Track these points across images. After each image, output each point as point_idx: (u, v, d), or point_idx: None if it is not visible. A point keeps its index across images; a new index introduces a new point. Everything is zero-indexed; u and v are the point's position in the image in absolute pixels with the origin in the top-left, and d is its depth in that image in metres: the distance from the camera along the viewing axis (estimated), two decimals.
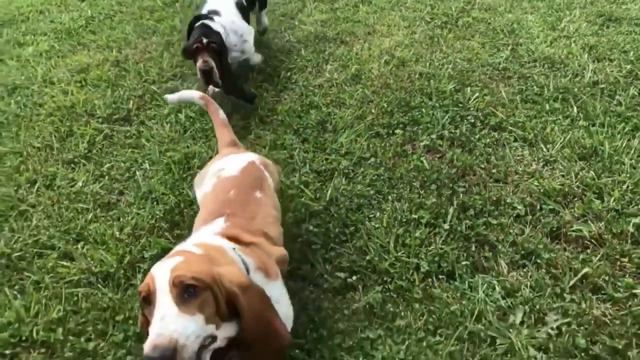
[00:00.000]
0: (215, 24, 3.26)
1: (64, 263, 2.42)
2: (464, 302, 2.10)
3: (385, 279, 2.22)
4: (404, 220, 2.47)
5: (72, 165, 3.07)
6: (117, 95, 3.67)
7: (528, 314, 2.06)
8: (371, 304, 2.11)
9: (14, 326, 2.14)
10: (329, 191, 2.64)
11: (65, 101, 3.64)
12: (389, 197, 2.61)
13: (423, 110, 3.17)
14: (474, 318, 2.05)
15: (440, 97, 3.28)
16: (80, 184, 2.89)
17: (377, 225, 2.45)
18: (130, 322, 2.12)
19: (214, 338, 1.31)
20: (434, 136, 2.96)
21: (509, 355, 1.94)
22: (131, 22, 4.79)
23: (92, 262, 2.40)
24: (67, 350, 2.05)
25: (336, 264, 2.30)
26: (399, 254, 2.30)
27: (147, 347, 1.17)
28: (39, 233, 2.60)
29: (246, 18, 3.67)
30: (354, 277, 2.23)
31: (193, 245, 1.52)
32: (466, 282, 2.19)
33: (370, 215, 2.52)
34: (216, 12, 3.41)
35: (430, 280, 2.21)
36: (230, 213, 1.82)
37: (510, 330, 2.01)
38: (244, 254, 1.60)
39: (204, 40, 3.10)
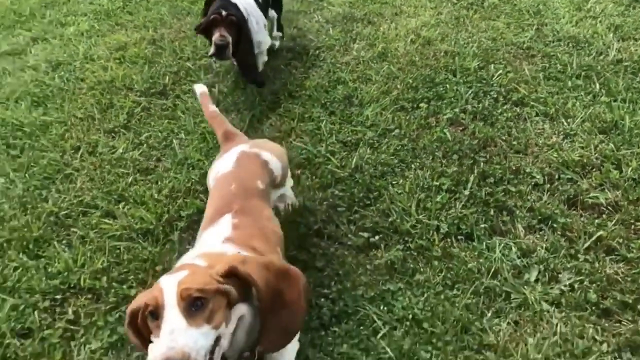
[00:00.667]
0: (237, 1, 3.15)
1: (107, 220, 2.61)
2: (481, 261, 2.22)
3: (406, 239, 2.35)
4: (426, 186, 2.59)
5: (113, 134, 3.26)
6: (154, 71, 3.84)
7: (542, 273, 2.17)
8: (392, 261, 2.25)
9: (63, 275, 2.34)
10: (354, 159, 2.77)
11: (105, 76, 3.84)
12: (412, 166, 2.72)
13: (447, 86, 3.27)
14: (490, 275, 2.16)
15: (464, 73, 3.37)
16: (120, 150, 3.08)
17: (399, 191, 2.57)
18: None
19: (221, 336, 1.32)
20: (457, 110, 3.06)
21: (522, 308, 2.06)
22: (166, 4, 4.96)
23: (132, 220, 2.58)
24: (111, 296, 2.24)
25: (360, 225, 2.43)
26: (420, 216, 2.43)
27: (158, 359, 1.19)
28: (83, 194, 2.79)
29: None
30: (377, 237, 2.37)
31: (197, 258, 1.49)
32: (484, 243, 2.31)
33: (394, 182, 2.65)
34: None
35: (449, 240, 2.33)
36: (237, 210, 1.82)
37: (525, 286, 2.12)
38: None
39: (223, 13, 3.00)
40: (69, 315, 2.17)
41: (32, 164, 3.04)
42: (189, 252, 1.65)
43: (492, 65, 3.42)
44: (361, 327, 2.00)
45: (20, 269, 2.39)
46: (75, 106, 3.55)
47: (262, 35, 3.36)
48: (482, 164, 2.69)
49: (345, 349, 1.93)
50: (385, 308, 2.06)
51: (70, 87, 3.80)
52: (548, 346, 1.92)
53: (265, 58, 3.56)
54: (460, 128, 2.96)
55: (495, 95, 3.15)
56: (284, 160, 2.25)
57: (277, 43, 3.90)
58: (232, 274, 1.35)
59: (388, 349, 1.90)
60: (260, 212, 1.88)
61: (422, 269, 2.21)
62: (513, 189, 2.54)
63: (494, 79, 3.29)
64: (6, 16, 5.15)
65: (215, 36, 3.00)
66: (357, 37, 3.97)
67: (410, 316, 2.01)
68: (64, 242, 2.53)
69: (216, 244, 1.66)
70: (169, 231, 2.49)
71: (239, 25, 3.04)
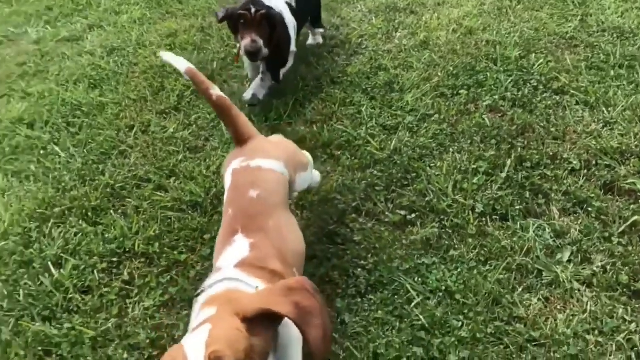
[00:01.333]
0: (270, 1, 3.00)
1: (159, 193, 2.79)
2: (514, 240, 2.29)
3: (442, 217, 2.43)
4: (463, 169, 2.66)
5: (164, 115, 3.44)
6: (202, 57, 4.02)
7: (575, 254, 2.22)
8: (428, 237, 2.34)
9: (119, 240, 2.52)
10: (393, 142, 2.87)
11: (156, 61, 4.04)
12: (450, 149, 2.80)
13: (487, 74, 3.31)
14: (522, 253, 2.23)
15: (505, 62, 3.40)
16: (171, 130, 3.26)
17: (437, 173, 2.66)
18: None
19: None
20: (496, 97, 3.11)
21: (553, 286, 2.12)
22: None
23: (182, 193, 2.75)
24: (162, 261, 2.41)
25: (397, 204, 2.53)
26: (457, 196, 2.51)
27: None
28: (136, 169, 2.98)
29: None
30: (413, 215, 2.46)
31: (220, 307, 1.36)
32: (518, 223, 2.37)
33: (432, 165, 2.73)
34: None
35: (484, 220, 2.40)
36: (242, 228, 1.72)
37: (557, 265, 2.17)
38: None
39: (252, 10, 2.71)
40: (125, 276, 2.35)
41: (90, 141, 3.25)
42: (209, 283, 1.54)
43: (534, 55, 3.44)
44: (396, 296, 2.11)
45: (80, 234, 2.59)
46: (129, 88, 3.76)
47: (291, 42, 3.27)
48: (519, 149, 2.74)
49: (380, 314, 2.04)
50: (420, 279, 2.16)
51: (124, 70, 4.01)
52: (577, 323, 1.97)
53: (291, 63, 3.43)
54: (499, 114, 3.02)
55: (535, 84, 3.18)
56: (287, 157, 2.06)
57: (321, 40, 3.94)
58: (261, 316, 1.25)
59: (421, 317, 2.00)
60: (278, 229, 1.76)
61: (456, 246, 2.30)
62: (549, 174, 2.58)
63: (534, 68, 3.32)
64: (65, 5, 5.45)
65: (245, 42, 2.77)
66: (399, 26, 4.04)
67: (444, 288, 2.11)
68: (119, 211, 2.72)
69: (231, 270, 1.56)
70: (217, 204, 2.65)
71: (271, 21, 2.79)
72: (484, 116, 2.98)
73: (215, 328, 1.20)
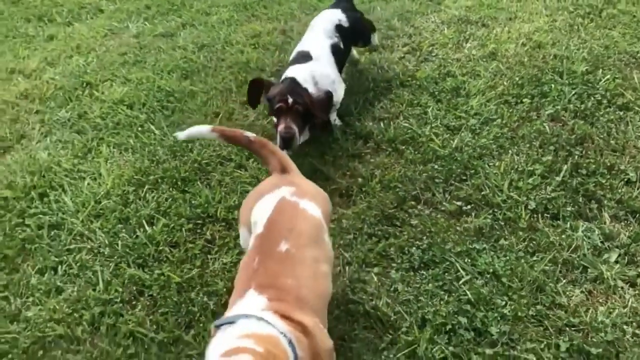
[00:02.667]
0: (304, 75, 3.06)
1: (239, 171, 3.12)
2: (563, 237, 2.45)
3: (495, 210, 2.63)
4: (520, 169, 2.84)
5: (246, 105, 3.79)
6: (283, 57, 4.36)
7: (622, 256, 2.36)
8: (481, 226, 2.54)
9: (203, 206, 2.87)
10: (455, 141, 3.08)
11: (241, 58, 4.42)
12: (509, 151, 2.98)
13: (552, 85, 3.46)
14: (570, 250, 2.39)
15: (571, 76, 3.53)
16: (251, 118, 3.61)
17: (495, 171, 2.85)
18: None
19: None
20: (558, 107, 3.25)
21: (597, 281, 2.27)
22: (297, 0, 5.52)
23: (259, 172, 3.07)
24: None
25: (454, 195, 2.74)
26: (511, 193, 2.69)
27: None
28: (220, 149, 3.33)
29: (341, 62, 3.46)
30: (469, 206, 2.67)
31: (252, 340, 1.39)
32: (568, 223, 2.53)
33: (490, 163, 2.92)
34: (308, 55, 3.25)
35: (535, 216, 2.57)
36: (255, 286, 1.65)
37: (602, 264, 2.32)
38: (296, 342, 1.49)
39: (289, 100, 2.87)
40: (207, 236, 2.69)
41: (180, 122, 3.65)
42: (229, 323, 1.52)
43: (601, 71, 3.55)
44: (446, 274, 2.33)
45: (171, 199, 2.97)
46: (216, 80, 4.15)
47: (337, 96, 3.25)
48: (576, 157, 2.88)
49: (430, 287, 2.26)
50: (470, 261, 2.37)
51: (212, 65, 4.42)
52: (617, 315, 2.12)
53: (342, 91, 3.38)
54: (560, 124, 3.16)
55: (599, 98, 3.30)
56: (327, 207, 2.07)
57: (376, 41, 4.09)
58: None
59: (468, 293, 2.21)
60: (297, 286, 1.67)
61: (507, 236, 2.49)
62: (604, 182, 2.71)
63: (600, 83, 3.43)
64: (162, 4, 5.97)
65: (280, 127, 2.89)
66: (469, 38, 4.24)
67: (491, 271, 2.31)
68: (204, 182, 3.07)
69: (257, 312, 1.53)
70: None
71: (305, 112, 2.93)
72: (544, 124, 3.13)
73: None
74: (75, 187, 3.14)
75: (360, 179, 2.93)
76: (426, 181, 2.85)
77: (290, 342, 1.46)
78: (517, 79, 3.59)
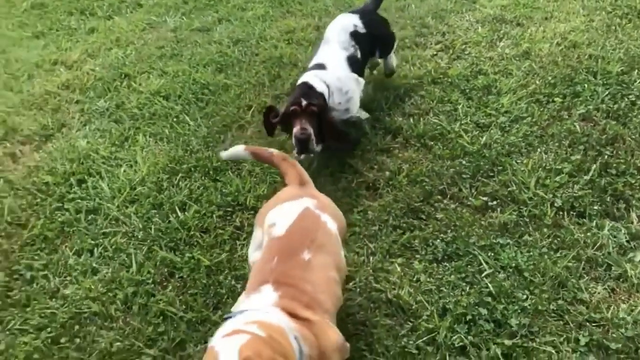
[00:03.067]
0: (319, 82, 3.01)
1: None
2: (588, 235, 2.45)
3: (521, 207, 2.64)
4: (548, 167, 2.83)
5: (278, 99, 3.88)
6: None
7: None
8: (505, 222, 2.56)
9: (234, 194, 2.97)
10: (484, 138, 3.09)
11: (275, 53, 4.51)
12: (538, 149, 2.98)
13: (585, 85, 3.43)
14: (594, 247, 2.39)
15: (605, 76, 3.49)
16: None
17: (522, 168, 2.85)
18: None
19: None
20: (590, 107, 3.23)
21: (620, 279, 2.27)
22: None
23: None
24: None
25: (480, 190, 2.76)
26: (538, 190, 2.69)
27: None
28: (252, 141, 3.42)
29: (358, 71, 3.31)
30: (494, 202, 2.69)
31: (255, 325, 1.43)
32: (594, 222, 2.52)
33: (518, 161, 2.93)
34: (323, 66, 3.18)
35: (561, 214, 2.57)
36: (273, 282, 1.71)
37: (627, 263, 2.31)
38: (301, 338, 1.53)
39: (303, 103, 2.84)
40: (236, 223, 2.79)
41: (214, 114, 3.76)
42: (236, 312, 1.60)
43: (636, 72, 3.49)
44: (469, 266, 2.36)
45: (202, 187, 3.07)
46: (250, 74, 4.25)
47: (352, 103, 3.20)
48: (606, 156, 2.86)
49: (452, 279, 2.30)
50: (493, 255, 2.39)
51: (246, 59, 4.52)
52: (639, 312, 2.11)
53: (364, 115, 3.39)
54: (591, 124, 3.14)
55: (633, 99, 3.26)
56: (342, 224, 2.14)
57: (395, 63, 3.77)
58: None
59: (490, 285, 2.24)
60: (303, 285, 1.73)
61: (531, 233, 2.50)
62: (634, 182, 2.69)
63: (635, 84, 3.38)
64: (199, 0, 6.12)
65: (296, 129, 2.82)
66: (503, 37, 4.22)
67: (514, 265, 2.32)
68: (235, 172, 3.16)
69: (264, 307, 1.60)
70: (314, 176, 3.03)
71: (320, 114, 2.87)
72: (575, 123, 3.11)
73: (252, 339, 1.29)
74: (112, 174, 3.28)
75: (387, 173, 2.98)
76: (453, 176, 2.87)
77: (295, 338, 1.48)
78: (549, 78, 3.57)
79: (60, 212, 3.03)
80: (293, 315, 1.57)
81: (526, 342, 2.04)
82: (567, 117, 3.21)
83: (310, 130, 2.81)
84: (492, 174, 2.86)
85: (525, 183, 2.75)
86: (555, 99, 3.35)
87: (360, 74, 3.33)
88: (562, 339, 2.04)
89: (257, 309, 1.57)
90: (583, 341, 2.01)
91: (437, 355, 2.04)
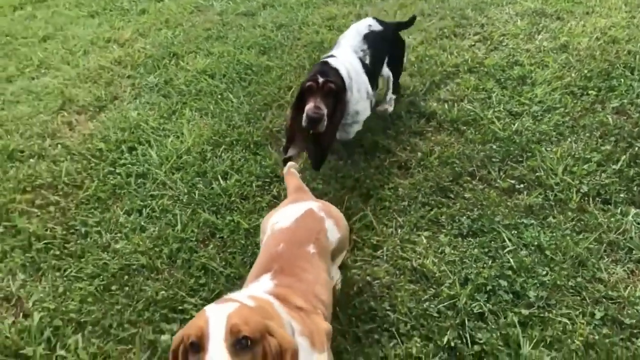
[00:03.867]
0: (340, 64, 2.78)
1: None
2: (612, 220, 2.54)
3: (547, 191, 2.73)
4: (577, 156, 2.92)
5: None
6: None
7: None
8: (531, 204, 2.66)
9: (272, 167, 3.15)
10: (516, 125, 3.19)
11: (316, 38, 4.67)
12: (568, 139, 3.06)
13: (621, 80, 3.47)
14: (617, 232, 2.48)
15: None
16: None
17: (551, 155, 2.94)
18: None
19: None
20: (625, 101, 3.28)
21: None
22: None
23: None
24: None
25: (509, 174, 2.87)
26: (565, 176, 2.78)
27: None
28: None
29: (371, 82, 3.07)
30: (522, 185, 2.79)
31: (246, 297, 1.48)
32: (619, 208, 2.60)
33: (548, 148, 3.01)
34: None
35: (586, 199, 2.66)
36: (277, 269, 1.74)
37: None
38: (291, 317, 1.55)
39: (320, 79, 2.59)
40: (274, 192, 2.97)
41: (256, 93, 3.94)
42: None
43: None
44: (492, 242, 2.48)
45: (243, 159, 3.26)
46: (291, 57, 4.42)
47: (362, 104, 2.94)
48: (637, 148, 2.92)
49: (476, 252, 2.43)
50: (516, 233, 2.50)
51: (288, 43, 4.69)
52: None
53: (360, 127, 3.07)
54: (624, 117, 3.19)
55: None
56: (345, 230, 2.12)
57: (390, 108, 3.47)
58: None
59: (511, 260, 2.36)
60: (305, 275, 1.77)
61: (555, 215, 2.60)
62: None
63: None
64: None
65: (309, 106, 2.58)
66: (542, 30, 4.28)
67: (536, 244, 2.43)
68: (274, 147, 3.34)
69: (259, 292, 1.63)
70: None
71: (337, 95, 2.65)
72: (608, 116, 3.17)
73: (240, 307, 1.30)
74: (160, 143, 3.50)
75: (419, 154, 3.11)
76: (483, 160, 2.98)
77: (287, 318, 1.50)
78: (585, 71, 3.62)
79: (112, 175, 3.27)
80: (286, 301, 1.60)
81: (543, 312, 2.15)
82: (600, 109, 3.27)
83: (325, 111, 2.58)
84: (521, 159, 2.96)
85: (553, 169, 2.84)
86: (590, 92, 3.41)
87: (373, 85, 3.11)
88: (577, 313, 2.15)
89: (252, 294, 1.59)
90: (598, 315, 2.12)
91: (456, 319, 2.17)
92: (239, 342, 1.22)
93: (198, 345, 1.22)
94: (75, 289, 2.54)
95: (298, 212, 1.98)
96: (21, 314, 2.47)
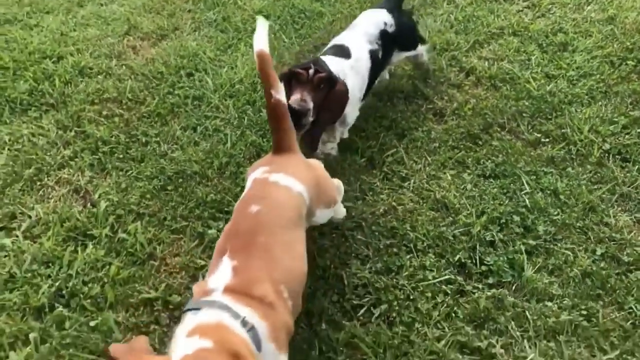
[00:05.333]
0: (336, 64, 2.63)
1: None
2: (628, 175, 2.73)
3: (570, 146, 2.93)
4: (604, 118, 3.08)
5: None
6: None
7: None
8: (553, 156, 2.87)
9: None
10: (550, 86, 3.36)
11: None
12: (599, 102, 3.22)
13: None
14: (631, 185, 2.68)
15: None
16: None
17: (580, 116, 3.12)
18: None
19: None
20: None
21: None
22: None
23: None
24: None
25: (536, 128, 3.07)
26: (590, 135, 2.97)
27: None
28: None
29: (375, 75, 2.99)
30: (547, 139, 2.99)
31: (197, 336, 1.38)
32: (637, 166, 2.79)
33: (578, 109, 3.19)
34: (346, 52, 2.79)
35: (606, 155, 2.85)
36: (231, 248, 1.67)
37: None
38: (257, 316, 1.50)
39: (311, 69, 2.42)
40: None
41: (307, 36, 4.18)
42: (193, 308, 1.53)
43: None
44: (511, 185, 2.71)
45: None
46: (343, 6, 4.62)
47: (350, 107, 2.75)
48: None
49: (495, 191, 2.67)
50: (535, 178, 2.73)
51: None
52: None
53: (346, 135, 2.93)
54: None
55: None
56: (314, 185, 2.00)
57: (425, 56, 3.43)
58: None
59: (527, 200, 2.59)
60: (268, 247, 1.69)
61: (575, 167, 2.80)
62: None
63: None
64: None
65: (294, 98, 2.38)
66: (592, 1, 4.35)
67: (552, 188, 2.66)
68: None
69: (220, 296, 1.54)
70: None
71: (328, 89, 2.47)
72: None
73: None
74: (216, 72, 3.79)
75: (455, 104, 3.32)
76: (514, 114, 3.18)
77: (251, 329, 1.46)
78: (628, 44, 3.73)
79: (171, 95, 3.58)
80: (247, 295, 1.54)
81: (549, 244, 2.40)
82: (636, 79, 3.40)
83: (310, 105, 2.38)
84: (550, 117, 3.15)
85: (580, 128, 3.03)
86: (628, 62, 3.53)
87: (375, 78, 3.02)
88: (580, 248, 2.38)
89: (213, 300, 1.52)
90: (599, 251, 2.35)
91: (469, 243, 2.44)
92: None
93: None
94: (135, 187, 2.89)
95: (256, 175, 1.95)
96: (89, 204, 2.84)
